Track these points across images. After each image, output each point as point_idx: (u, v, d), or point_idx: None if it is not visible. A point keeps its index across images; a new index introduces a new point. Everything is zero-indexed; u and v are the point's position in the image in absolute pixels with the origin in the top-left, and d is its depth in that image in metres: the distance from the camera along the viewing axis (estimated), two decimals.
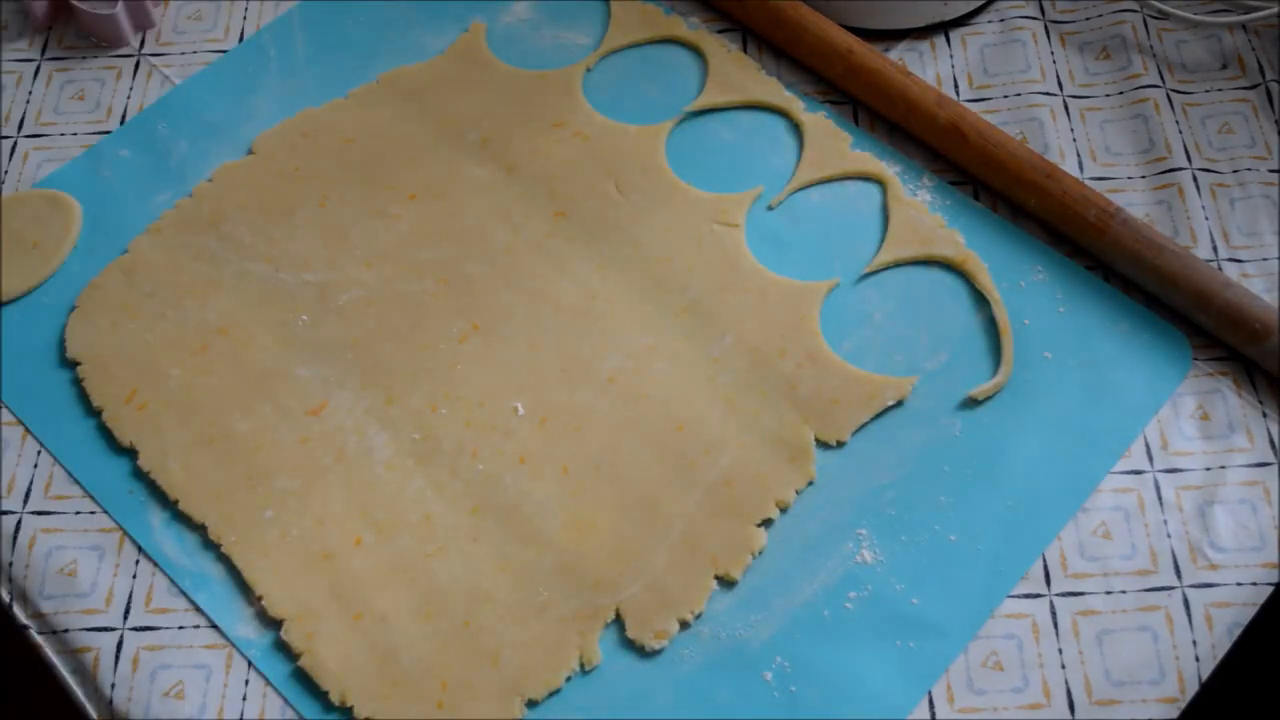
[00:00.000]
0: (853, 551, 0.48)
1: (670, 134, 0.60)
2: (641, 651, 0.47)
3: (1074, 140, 0.58)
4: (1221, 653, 0.46)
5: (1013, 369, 0.52)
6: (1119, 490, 0.49)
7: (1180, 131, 0.58)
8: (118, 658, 0.48)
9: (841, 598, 0.47)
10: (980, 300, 0.54)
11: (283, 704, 0.47)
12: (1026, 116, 0.59)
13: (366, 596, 0.48)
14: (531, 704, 0.46)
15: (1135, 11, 0.62)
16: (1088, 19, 0.62)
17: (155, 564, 0.50)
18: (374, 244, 0.57)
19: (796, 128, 0.59)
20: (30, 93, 0.64)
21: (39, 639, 0.49)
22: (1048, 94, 0.60)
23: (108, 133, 0.62)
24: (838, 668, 0.46)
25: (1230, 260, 0.54)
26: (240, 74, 0.63)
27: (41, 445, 0.53)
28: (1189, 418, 0.51)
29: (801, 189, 0.58)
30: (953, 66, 0.61)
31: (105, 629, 0.49)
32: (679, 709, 0.46)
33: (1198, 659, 0.46)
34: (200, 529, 0.50)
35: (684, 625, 0.47)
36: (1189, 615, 0.47)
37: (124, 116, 0.63)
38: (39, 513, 0.51)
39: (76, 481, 0.52)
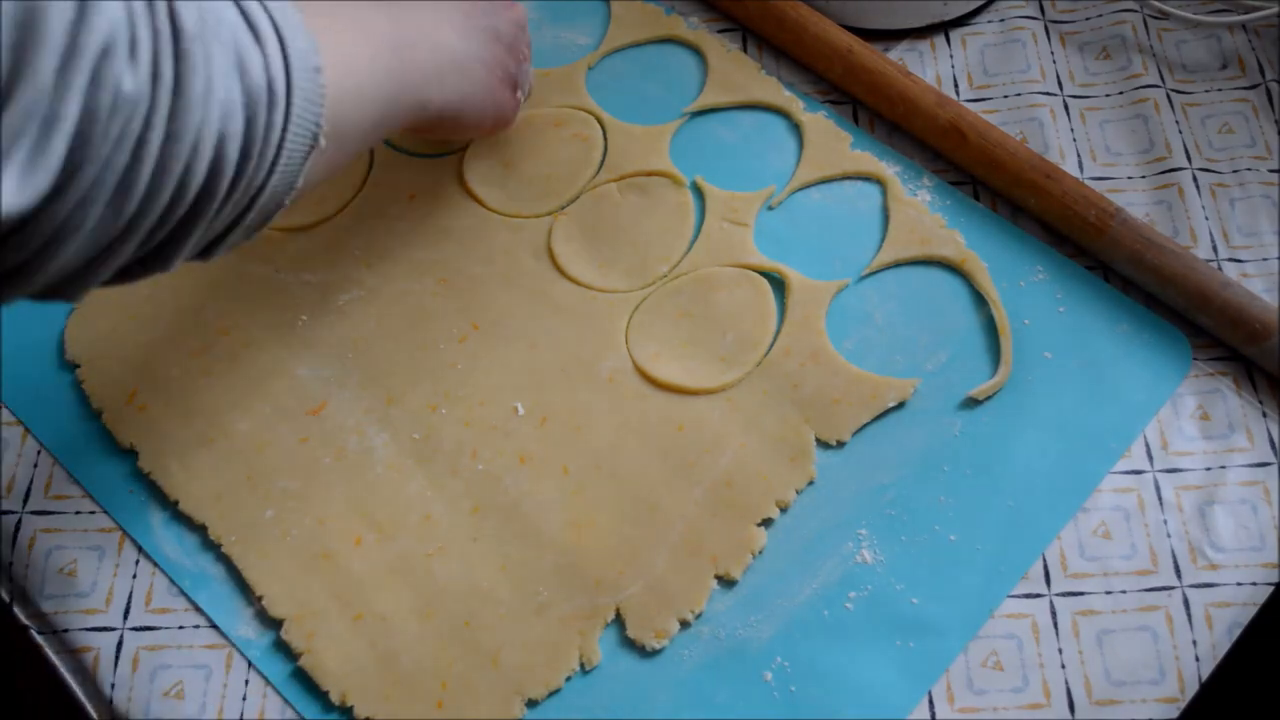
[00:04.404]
0: (853, 551, 0.48)
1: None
2: (641, 651, 0.47)
3: (1074, 140, 0.58)
4: (1221, 653, 0.46)
5: (1013, 369, 0.52)
6: (1119, 490, 0.49)
7: (1180, 131, 0.58)
8: (118, 658, 0.48)
9: (841, 598, 0.47)
10: (980, 300, 0.54)
11: (283, 704, 0.47)
12: (1026, 116, 0.59)
13: (366, 596, 0.48)
14: (531, 704, 0.46)
15: (1135, 11, 0.62)
16: (1088, 19, 0.62)
17: (155, 564, 0.50)
18: (374, 244, 0.57)
19: (796, 128, 0.59)
20: None
21: (39, 639, 0.49)
22: (1048, 94, 0.60)
23: None
24: (838, 668, 0.46)
25: (1230, 260, 0.54)
26: None
27: (41, 445, 0.53)
28: (1189, 418, 0.51)
29: (801, 189, 0.58)
30: (953, 66, 0.61)
31: (105, 629, 0.49)
32: (679, 709, 0.46)
33: (1198, 659, 0.46)
34: (200, 529, 0.50)
35: (684, 625, 0.47)
36: (1189, 615, 0.47)
37: None
38: (39, 513, 0.51)
39: (76, 481, 0.52)
